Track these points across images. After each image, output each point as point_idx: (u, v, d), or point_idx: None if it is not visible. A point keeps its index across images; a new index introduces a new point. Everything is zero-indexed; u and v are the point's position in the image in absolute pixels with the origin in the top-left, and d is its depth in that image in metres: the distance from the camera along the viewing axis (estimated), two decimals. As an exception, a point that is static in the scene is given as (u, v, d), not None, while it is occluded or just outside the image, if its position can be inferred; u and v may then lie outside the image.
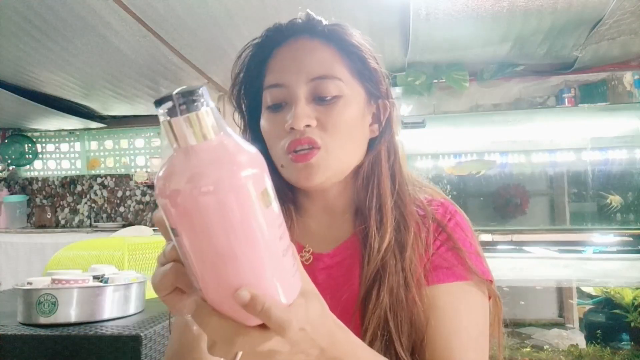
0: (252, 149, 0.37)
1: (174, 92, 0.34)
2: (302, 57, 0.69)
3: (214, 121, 0.35)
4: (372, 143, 0.73)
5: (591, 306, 2.90)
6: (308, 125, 0.66)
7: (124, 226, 3.68)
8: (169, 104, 0.34)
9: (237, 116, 0.77)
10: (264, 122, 0.71)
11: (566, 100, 2.92)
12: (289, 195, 0.75)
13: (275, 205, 0.38)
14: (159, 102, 0.34)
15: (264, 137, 0.72)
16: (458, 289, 0.66)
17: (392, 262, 0.65)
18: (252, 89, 0.74)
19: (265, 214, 0.36)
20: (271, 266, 0.37)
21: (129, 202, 4.11)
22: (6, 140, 4.16)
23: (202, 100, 0.34)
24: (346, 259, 0.71)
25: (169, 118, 0.34)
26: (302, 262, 0.72)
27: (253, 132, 0.75)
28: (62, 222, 4.18)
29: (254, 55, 0.73)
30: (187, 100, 0.34)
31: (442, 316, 0.64)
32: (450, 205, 0.74)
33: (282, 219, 0.39)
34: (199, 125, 0.34)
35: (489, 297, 0.70)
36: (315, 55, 0.69)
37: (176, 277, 0.42)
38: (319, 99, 0.67)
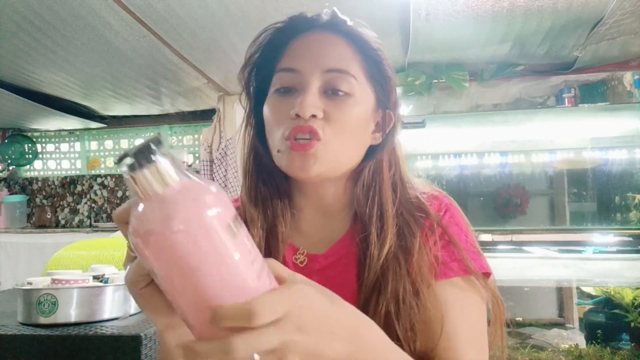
0: (212, 187, 0.40)
1: (131, 151, 0.37)
2: (321, 47, 0.68)
3: (173, 168, 0.39)
4: (372, 150, 0.72)
5: (591, 306, 2.90)
6: (314, 116, 0.65)
7: (124, 226, 3.68)
8: (129, 161, 0.37)
9: (243, 98, 0.76)
10: (268, 105, 0.70)
11: (566, 100, 2.92)
12: (285, 189, 0.74)
13: (243, 234, 0.41)
14: (119, 160, 0.38)
15: (264, 120, 0.70)
16: (455, 285, 0.65)
17: (394, 268, 0.64)
18: (263, 71, 0.73)
19: (234, 244, 0.39)
20: (248, 290, 0.39)
21: (129, 202, 4.11)
22: (6, 140, 4.16)
23: (157, 152, 0.38)
24: (341, 258, 0.70)
25: (131, 174, 0.38)
26: (297, 264, 0.72)
27: (257, 115, 0.74)
28: (62, 222, 4.18)
29: (273, 38, 0.71)
30: (144, 156, 0.37)
31: (444, 313, 0.63)
32: (444, 198, 0.73)
33: (252, 244, 0.41)
34: (159, 175, 0.38)
35: (488, 292, 0.68)
36: (335, 48, 0.68)
37: None
38: (330, 93, 0.67)
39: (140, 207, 0.38)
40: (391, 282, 0.63)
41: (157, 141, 0.38)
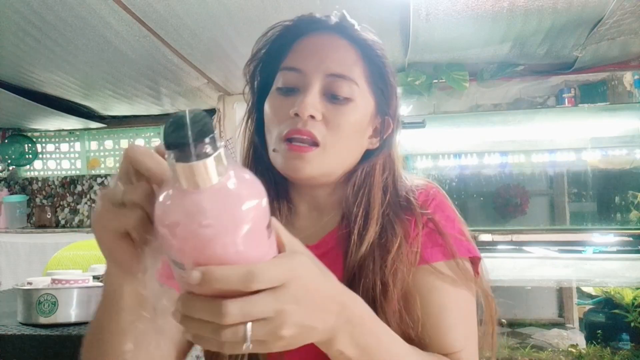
0: (256, 190, 0.38)
1: (191, 139, 0.33)
2: (326, 50, 0.69)
3: (221, 165, 0.35)
4: (368, 154, 0.74)
5: (591, 306, 2.90)
6: (312, 117, 0.66)
7: (124, 226, 3.68)
8: (183, 149, 0.34)
9: (247, 92, 0.77)
10: (269, 103, 0.71)
11: (566, 100, 2.92)
12: (283, 184, 0.75)
13: (273, 237, 0.40)
14: (173, 141, 0.34)
15: (264, 116, 0.72)
16: (438, 270, 0.66)
17: (370, 266, 0.65)
18: (268, 68, 0.74)
19: (267, 244, 0.39)
20: None
21: (129, 202, 4.10)
22: (6, 140, 4.16)
23: (212, 146, 0.34)
24: (330, 250, 0.71)
25: (179, 163, 0.34)
26: None
27: (259, 110, 0.75)
28: (62, 222, 4.18)
29: (280, 35, 0.73)
30: (201, 148, 0.34)
31: (428, 297, 0.65)
32: (431, 188, 0.74)
33: (272, 242, 0.41)
34: (206, 171, 0.35)
35: (477, 276, 0.70)
36: (340, 52, 0.69)
37: (139, 224, 0.40)
38: (330, 96, 0.68)
39: (172, 195, 0.36)
40: (364, 279, 0.65)
41: (214, 136, 0.34)
